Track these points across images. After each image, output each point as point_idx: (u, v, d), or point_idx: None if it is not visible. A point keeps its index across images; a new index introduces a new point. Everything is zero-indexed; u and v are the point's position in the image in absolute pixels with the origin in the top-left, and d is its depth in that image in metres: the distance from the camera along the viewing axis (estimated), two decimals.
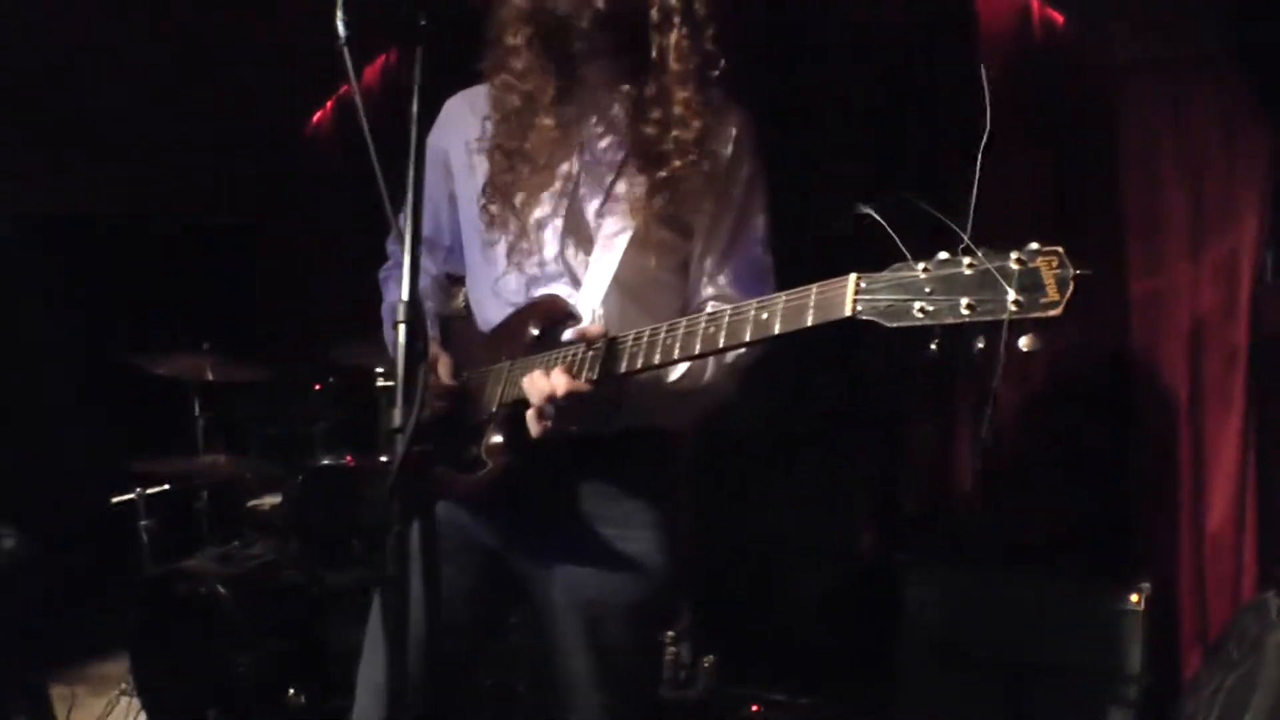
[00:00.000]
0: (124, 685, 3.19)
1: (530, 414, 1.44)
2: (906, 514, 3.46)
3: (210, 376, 3.52)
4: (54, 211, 3.44)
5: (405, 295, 1.15)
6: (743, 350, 1.48)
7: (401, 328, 1.14)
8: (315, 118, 4.73)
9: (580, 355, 1.43)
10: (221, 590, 2.93)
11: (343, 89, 4.66)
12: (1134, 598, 2.82)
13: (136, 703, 3.13)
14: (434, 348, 1.68)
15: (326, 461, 3.07)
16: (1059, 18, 3.34)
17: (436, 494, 1.68)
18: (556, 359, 1.46)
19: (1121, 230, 3.09)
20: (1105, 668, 2.83)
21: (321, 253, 4.46)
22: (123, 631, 3.15)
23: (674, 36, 1.52)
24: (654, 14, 1.52)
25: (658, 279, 1.63)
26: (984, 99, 1.25)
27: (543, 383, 1.41)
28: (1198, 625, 3.01)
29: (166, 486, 3.41)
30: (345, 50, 1.21)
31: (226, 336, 3.59)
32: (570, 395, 1.39)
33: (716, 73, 1.56)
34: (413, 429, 1.08)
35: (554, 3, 1.53)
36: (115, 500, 3.21)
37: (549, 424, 1.43)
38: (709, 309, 1.58)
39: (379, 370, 1.52)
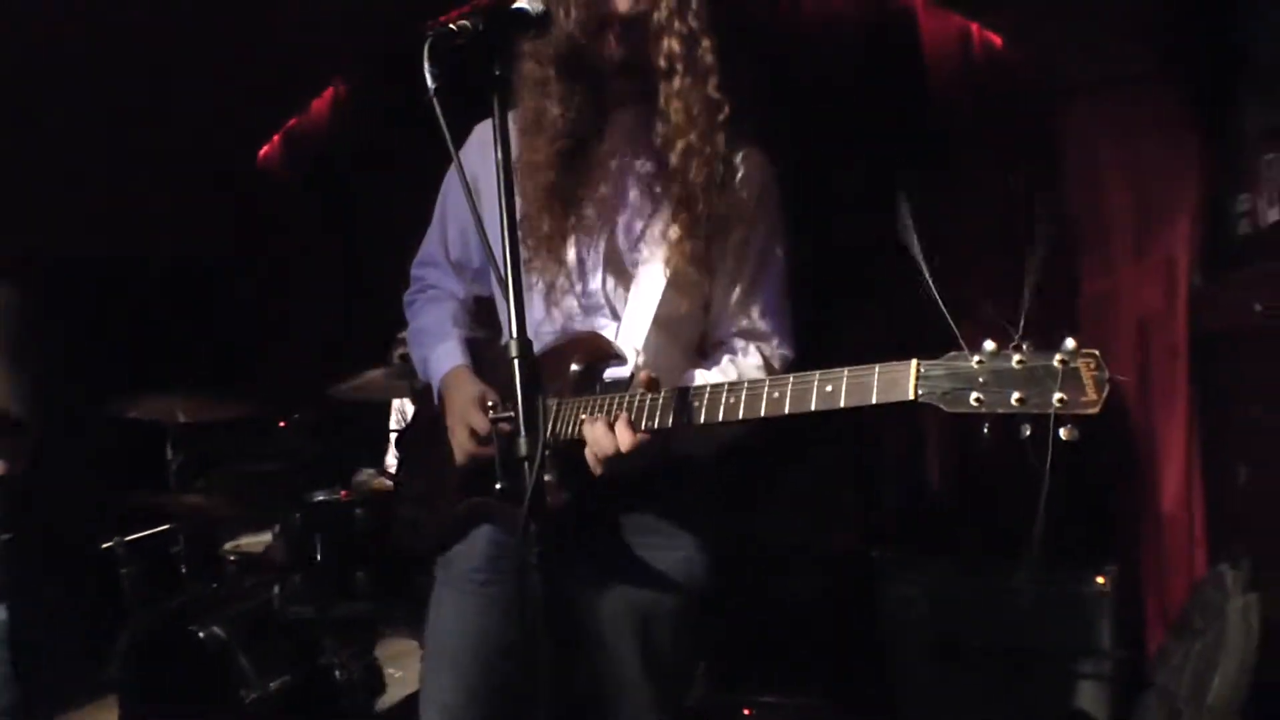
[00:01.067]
0: None
1: (593, 462, 1.50)
2: (882, 512, 3.60)
3: (182, 417, 3.48)
4: (17, 254, 3.35)
5: (514, 331, 1.21)
6: None
7: (515, 362, 1.20)
8: (262, 151, 4.69)
9: (641, 404, 1.48)
10: (220, 631, 2.90)
11: (291, 122, 4.65)
12: (1101, 580, 3.02)
13: None
14: (477, 383, 1.70)
15: (322, 496, 3.07)
16: (997, 40, 3.57)
17: (492, 520, 1.74)
18: (611, 405, 1.51)
19: (1071, 237, 3.30)
20: (1079, 648, 3.02)
21: (286, 288, 4.43)
22: (110, 678, 3.08)
23: (678, 83, 1.60)
24: (661, 62, 1.60)
25: (688, 315, 1.71)
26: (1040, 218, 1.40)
27: (607, 440, 1.46)
28: (1158, 601, 3.22)
29: (146, 532, 3.35)
30: (435, 100, 1.26)
31: (198, 376, 3.56)
32: (635, 449, 1.46)
33: (722, 118, 1.62)
34: (541, 457, 1.15)
35: (580, 49, 1.61)
36: (102, 546, 3.15)
37: (610, 471, 1.50)
38: (739, 356, 1.69)
39: (490, 403, 1.56)
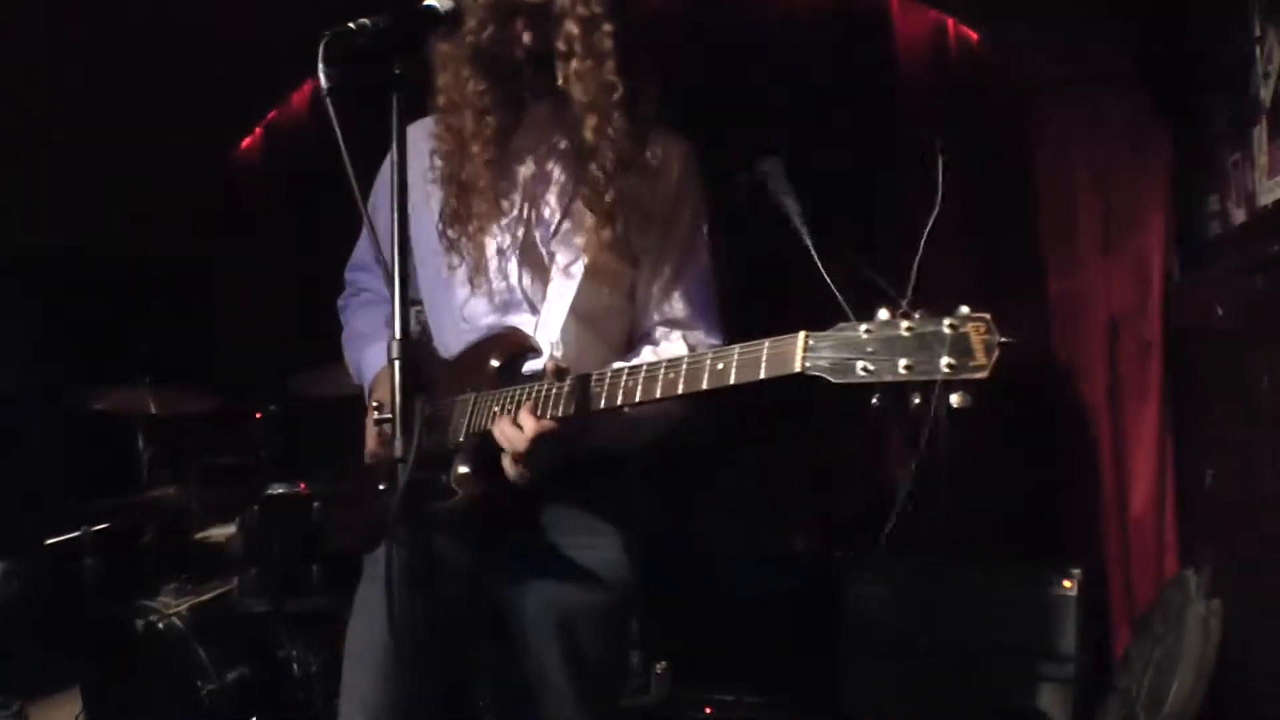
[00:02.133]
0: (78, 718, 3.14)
1: (506, 461, 1.50)
2: (843, 513, 3.59)
3: (153, 409, 3.49)
4: None
5: (398, 332, 1.21)
6: None
7: (397, 363, 1.19)
8: (244, 144, 4.69)
9: (545, 393, 1.49)
10: (179, 623, 2.91)
11: (270, 115, 4.64)
12: (1066, 583, 2.99)
13: None
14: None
15: (280, 490, 3.07)
16: (974, 35, 3.53)
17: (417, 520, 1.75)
18: (521, 396, 1.51)
19: (1037, 235, 3.27)
20: (1042, 650, 2.99)
21: (259, 281, 4.44)
22: (73, 669, 3.10)
23: (575, 65, 1.59)
24: (560, 45, 1.59)
25: (610, 306, 1.71)
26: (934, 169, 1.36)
27: (513, 431, 1.47)
28: (1125, 604, 3.19)
29: (108, 524, 3.36)
30: (328, 100, 1.25)
31: (168, 369, 3.56)
32: (538, 438, 1.46)
33: (617, 98, 1.60)
34: (413, 457, 1.14)
35: (490, 41, 1.60)
36: (56, 540, 3.16)
37: (523, 467, 1.50)
38: (662, 345, 1.69)
39: (375, 404, 1.56)
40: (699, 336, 1.72)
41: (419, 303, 1.91)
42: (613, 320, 1.73)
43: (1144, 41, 2.92)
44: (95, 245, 4.05)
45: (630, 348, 1.75)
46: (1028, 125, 3.29)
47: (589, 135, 1.59)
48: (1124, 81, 3.03)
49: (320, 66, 1.28)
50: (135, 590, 3.29)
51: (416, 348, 1.22)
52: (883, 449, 3.53)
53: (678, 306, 1.72)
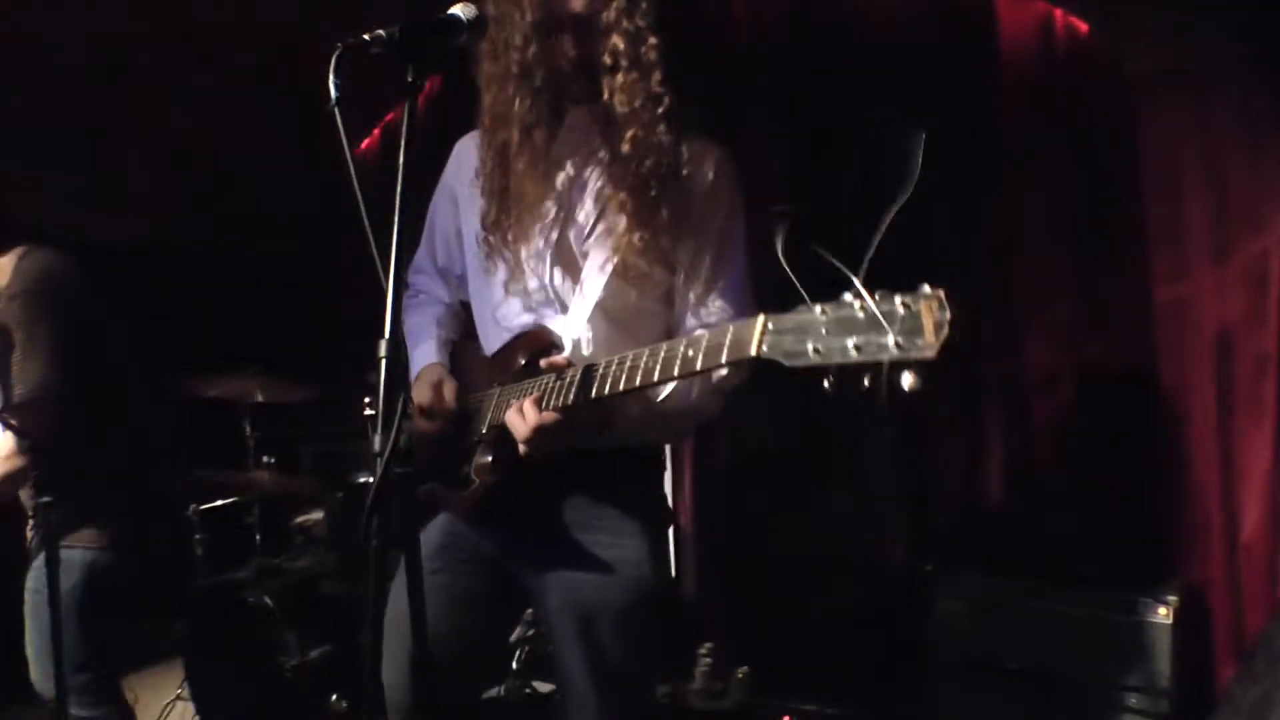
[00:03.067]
0: (180, 690, 3.35)
1: (521, 448, 1.57)
2: (937, 526, 3.47)
3: (260, 397, 3.69)
4: (111, 242, 3.64)
5: (387, 332, 1.25)
6: (725, 373, 1.57)
7: (382, 361, 1.23)
8: (363, 145, 4.89)
9: (550, 385, 1.54)
10: (268, 600, 3.07)
11: (388, 117, 4.83)
12: (1163, 610, 2.80)
13: (192, 707, 3.29)
14: (441, 371, 1.82)
15: (365, 478, 3.20)
16: (1083, 26, 3.34)
17: (430, 510, 1.81)
18: (532, 389, 1.58)
19: (1143, 238, 3.08)
20: (1134, 680, 2.82)
21: (367, 277, 4.61)
22: (177, 639, 3.31)
23: (621, 78, 1.64)
24: (606, 59, 1.64)
25: (641, 308, 1.73)
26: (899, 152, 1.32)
27: (516, 419, 1.54)
28: (1231, 637, 2.97)
29: (219, 502, 3.57)
30: (336, 111, 1.31)
31: (274, 359, 3.75)
32: (539, 427, 1.52)
33: (663, 110, 1.65)
34: (390, 453, 1.18)
35: (537, 55, 1.66)
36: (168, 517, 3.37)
37: (532, 451, 1.56)
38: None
39: (366, 399, 1.65)
40: None
41: (467, 303, 1.98)
42: (646, 322, 1.75)
43: (1260, 32, 2.71)
44: (214, 242, 4.30)
45: None
46: (1134, 121, 3.10)
47: (627, 146, 1.63)
48: (1239, 74, 2.81)
49: (330, 79, 1.33)
50: (235, 568, 3.50)
51: (401, 345, 1.25)
52: (980, 461, 3.39)
53: (714, 311, 1.73)
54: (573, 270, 1.72)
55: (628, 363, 1.42)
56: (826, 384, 1.14)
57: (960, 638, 3.07)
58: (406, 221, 1.34)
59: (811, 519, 3.51)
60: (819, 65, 3.64)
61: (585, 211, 1.72)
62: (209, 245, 4.31)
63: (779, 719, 3.30)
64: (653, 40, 1.64)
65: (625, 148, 1.64)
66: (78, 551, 2.31)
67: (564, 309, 1.72)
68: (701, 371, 1.32)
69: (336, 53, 1.34)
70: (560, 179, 1.73)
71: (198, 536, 3.51)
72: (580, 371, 1.50)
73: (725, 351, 1.25)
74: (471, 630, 1.77)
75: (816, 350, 1.13)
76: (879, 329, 1.09)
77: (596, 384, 1.47)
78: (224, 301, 4.17)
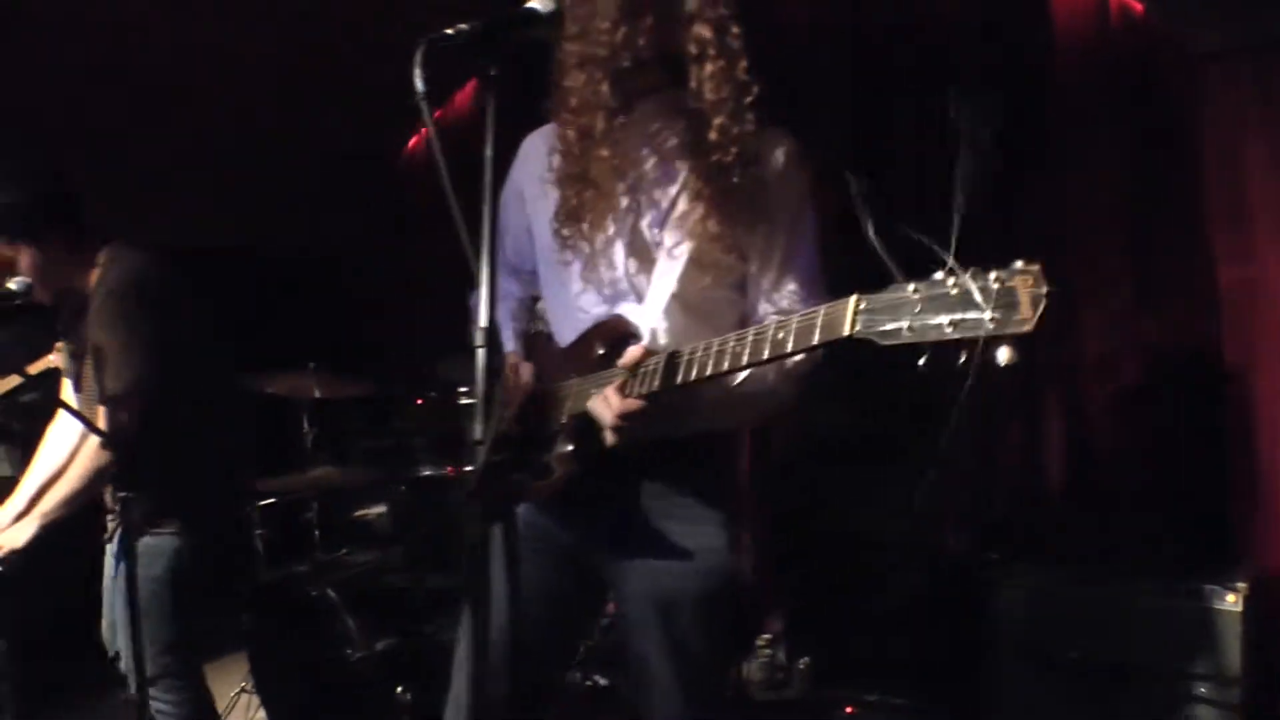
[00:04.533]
0: (245, 684, 3.41)
1: (605, 432, 1.57)
2: (996, 515, 3.44)
3: (317, 393, 3.74)
4: (171, 243, 3.71)
5: (483, 321, 1.26)
6: (800, 358, 1.57)
7: (480, 351, 1.24)
8: (411, 143, 4.94)
9: (637, 372, 1.55)
10: (332, 594, 3.11)
11: (437, 114, 4.86)
12: (1230, 598, 2.76)
13: (256, 699, 3.34)
14: (516, 358, 1.83)
15: (428, 472, 3.24)
16: (1138, 6, 3.30)
17: (514, 499, 1.82)
18: (615, 376, 1.58)
19: (1205, 220, 3.03)
20: (1203, 669, 2.77)
21: (420, 274, 4.66)
22: (241, 633, 3.36)
23: (709, 68, 1.64)
24: (692, 48, 1.64)
25: (716, 296, 1.73)
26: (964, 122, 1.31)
27: (602, 406, 1.55)
28: None
29: (278, 498, 3.62)
30: (423, 103, 1.32)
31: (331, 356, 3.80)
32: (624, 414, 1.52)
33: (750, 99, 1.65)
34: (491, 440, 1.19)
35: (606, 46, 1.65)
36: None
37: (618, 438, 1.56)
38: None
39: (462, 389, 1.66)
40: None
41: (539, 299, 1.99)
42: (721, 311, 1.75)
43: None
44: (269, 241, 4.36)
45: None
46: (1196, 99, 3.05)
47: (715, 134, 1.63)
48: None
49: (416, 73, 1.34)
50: (296, 562, 3.55)
51: (497, 335, 1.27)
52: (1039, 448, 3.36)
53: (787, 296, 1.73)
54: (648, 259, 1.73)
55: (714, 348, 1.42)
56: (921, 363, 1.13)
57: (1023, 627, 3.03)
58: (497, 215, 1.33)
59: (871, 508, 3.50)
60: (872, 49, 3.63)
61: (661, 200, 1.72)
62: (263, 244, 4.36)
63: (841, 710, 3.30)
64: (736, 29, 1.64)
65: (712, 135, 1.64)
66: (166, 538, 2.37)
67: (640, 298, 1.73)
68: (793, 354, 1.32)
69: (421, 46, 1.34)
70: (635, 168, 1.73)
71: (258, 532, 3.57)
72: (665, 358, 1.50)
73: (818, 333, 1.26)
74: (551, 621, 1.78)
75: (910, 329, 1.14)
76: (974, 305, 1.09)
77: (682, 370, 1.47)
78: (278, 299, 4.23)
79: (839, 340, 1.23)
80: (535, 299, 2.01)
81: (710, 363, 1.43)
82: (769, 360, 1.35)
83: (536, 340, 1.94)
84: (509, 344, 1.90)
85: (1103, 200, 3.17)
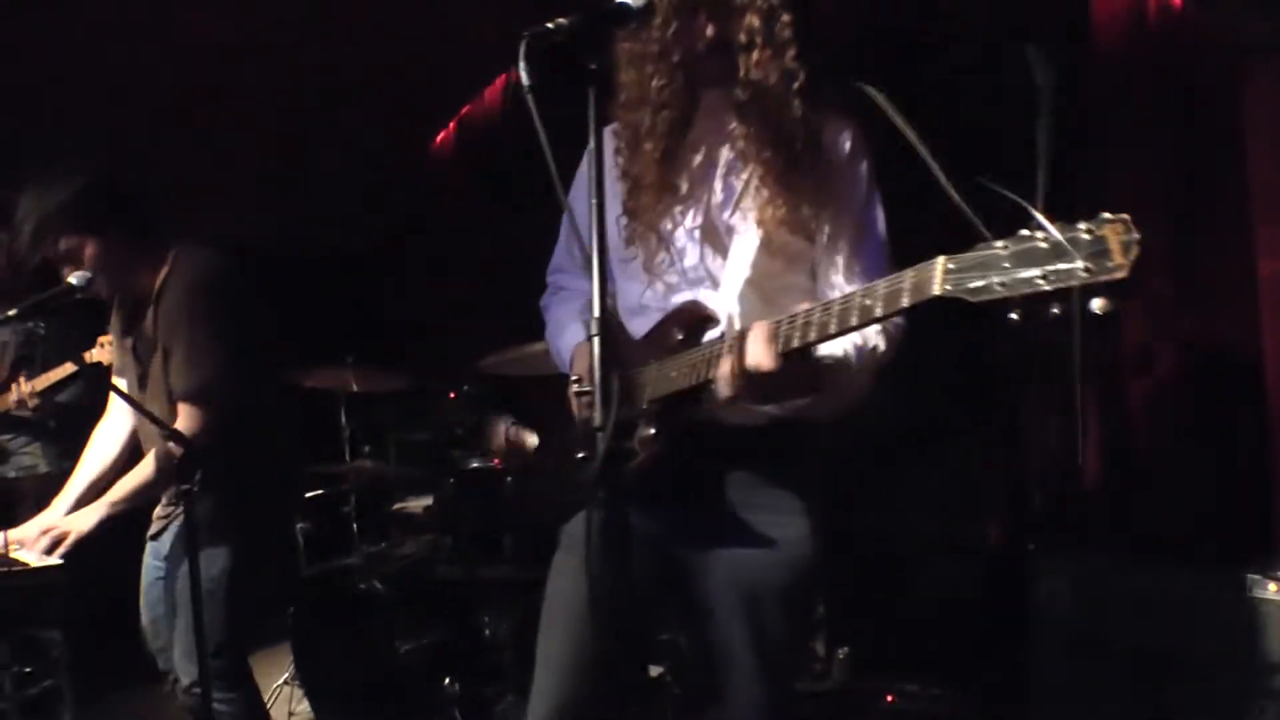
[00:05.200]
0: (288, 674, 3.43)
1: (736, 380, 1.51)
2: (1035, 505, 3.46)
3: (354, 387, 3.77)
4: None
5: (595, 310, 1.28)
6: (881, 349, 1.63)
7: (595, 339, 1.27)
8: (438, 139, 4.95)
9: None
10: (380, 586, 3.14)
11: (464, 110, 4.88)
12: (1273, 586, 2.78)
13: (300, 691, 3.37)
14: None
15: (476, 464, 3.26)
16: (1177, 1, 3.32)
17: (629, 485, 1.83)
18: (699, 358, 1.58)
19: (1246, 213, 3.05)
20: (1245, 658, 2.80)
21: (453, 268, 4.68)
22: (284, 624, 3.38)
23: (757, 55, 1.67)
24: (741, 37, 1.67)
25: (786, 282, 1.76)
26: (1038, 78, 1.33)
27: (760, 348, 1.48)
28: None
29: (320, 491, 3.64)
30: (530, 97, 1.34)
31: (369, 350, 3.82)
32: (773, 370, 1.47)
33: (797, 86, 1.67)
34: (611, 427, 1.21)
35: (675, 36, 1.69)
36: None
37: (749, 394, 1.52)
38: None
39: (574, 377, 1.67)
40: None
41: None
42: (792, 296, 1.76)
43: None
44: (303, 235, 4.38)
45: None
46: (1236, 93, 3.07)
47: (767, 121, 1.66)
48: None
49: (521, 65, 1.36)
50: (338, 554, 3.57)
51: (614, 325, 1.28)
52: (1078, 439, 3.38)
53: (857, 276, 1.74)
54: (720, 247, 1.75)
55: (799, 320, 1.44)
56: (1013, 316, 1.16)
57: (1063, 617, 3.05)
58: (603, 205, 1.35)
59: (910, 497, 3.52)
60: (904, 42, 3.64)
61: (727, 189, 1.75)
62: (298, 238, 4.38)
63: (882, 699, 3.32)
64: (786, 17, 1.67)
65: (766, 123, 1.67)
66: (223, 539, 2.37)
67: (714, 284, 1.75)
68: (883, 318, 1.34)
69: (524, 39, 1.36)
70: (699, 159, 1.77)
71: (300, 525, 3.60)
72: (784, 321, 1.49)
73: (906, 295, 1.28)
74: (637, 611, 1.79)
75: (1002, 284, 1.16)
76: (1065, 256, 1.11)
77: (783, 339, 1.46)
78: (315, 293, 4.25)
79: (927, 300, 1.25)
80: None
81: (796, 334, 1.44)
82: (858, 326, 1.36)
83: (614, 333, 1.94)
84: (581, 334, 1.85)
85: (1142, 194, 3.19)
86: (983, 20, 3.52)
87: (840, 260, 1.75)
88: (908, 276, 1.29)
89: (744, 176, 1.73)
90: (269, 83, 4.00)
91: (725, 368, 1.51)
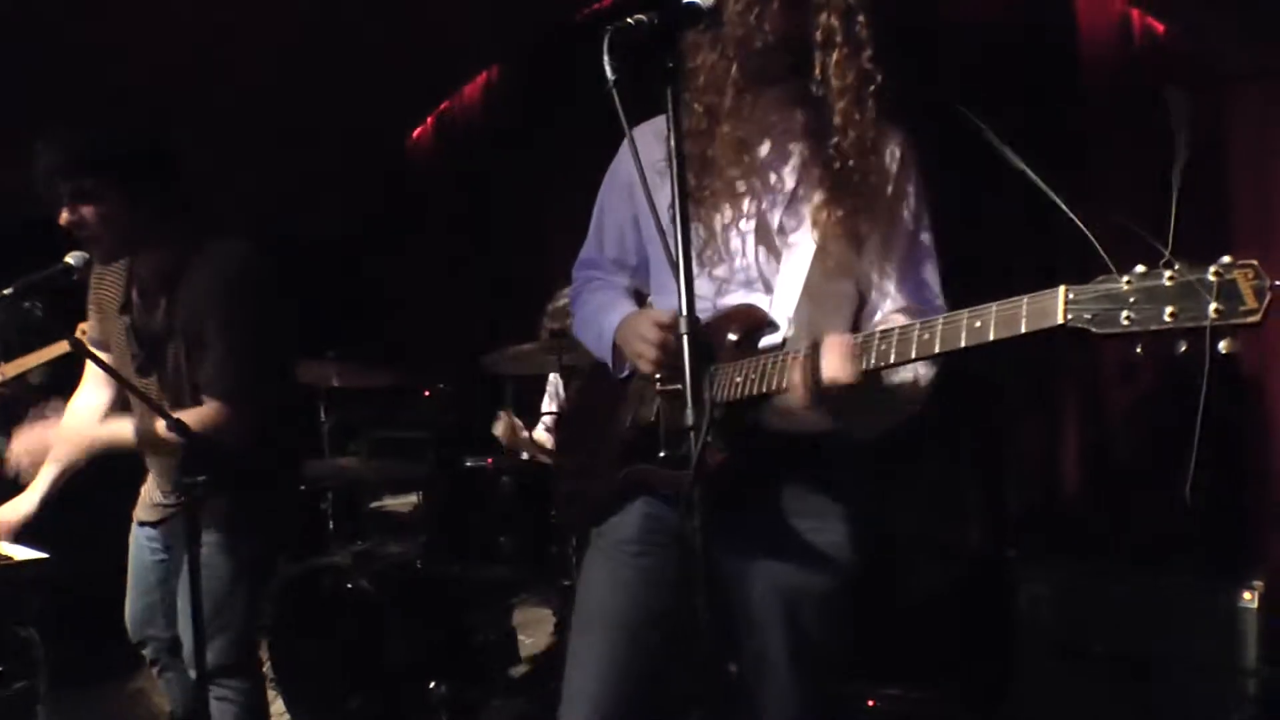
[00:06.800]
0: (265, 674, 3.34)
1: (800, 395, 1.49)
2: (1014, 510, 3.54)
3: (335, 382, 3.68)
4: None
5: (683, 308, 1.27)
6: (936, 370, 1.62)
7: (684, 338, 1.26)
8: (415, 133, 4.89)
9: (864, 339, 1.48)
10: (366, 585, 3.07)
11: (443, 105, 4.83)
12: (1247, 595, 2.88)
13: (274, 691, 3.28)
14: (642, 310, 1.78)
15: (470, 463, 3.21)
16: (1160, 27, 3.43)
17: (630, 490, 1.81)
18: (767, 366, 1.55)
19: (1229, 240, 3.16)
20: (1221, 663, 2.89)
21: (430, 264, 4.63)
22: (261, 623, 3.29)
23: (835, 55, 1.66)
24: (818, 35, 1.66)
25: (837, 289, 1.75)
26: (1175, 120, 1.36)
27: (838, 361, 1.46)
28: None
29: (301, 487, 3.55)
30: (614, 90, 1.32)
31: (350, 344, 3.74)
32: (850, 383, 1.44)
33: (874, 88, 1.67)
34: (706, 428, 1.20)
35: (742, 26, 1.66)
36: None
37: (822, 404, 1.49)
38: (902, 320, 1.67)
39: (657, 376, 1.63)
40: None
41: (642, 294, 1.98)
42: (840, 304, 1.77)
43: None
44: (282, 227, 4.27)
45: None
46: (1220, 121, 3.18)
47: (838, 119, 1.65)
48: None
49: (605, 59, 1.34)
50: (315, 553, 3.49)
51: (698, 322, 1.27)
52: (1058, 444, 3.47)
53: (904, 293, 1.74)
54: (772, 248, 1.73)
55: (894, 336, 1.42)
56: (1138, 350, 1.19)
57: (1045, 622, 3.12)
58: (685, 204, 1.34)
59: (892, 503, 3.56)
60: (893, 67, 3.69)
61: (781, 187, 1.74)
62: (281, 229, 4.28)
63: (863, 703, 3.34)
64: (862, 17, 1.67)
65: (836, 121, 1.65)
66: (243, 533, 2.32)
67: (767, 287, 1.73)
68: (994, 342, 1.33)
69: (607, 36, 1.35)
70: (758, 156, 1.74)
71: None
72: (872, 336, 1.46)
73: (1024, 321, 1.28)
74: (678, 613, 1.74)
75: (1130, 318, 1.18)
76: (1194, 296, 1.14)
77: (876, 355, 1.43)
78: (300, 287, 4.15)
79: (1048, 330, 1.26)
80: (638, 294, 1.98)
81: (892, 351, 1.41)
82: (965, 348, 1.35)
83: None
84: (626, 309, 1.83)
85: (1124, 213, 3.28)
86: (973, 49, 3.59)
87: (894, 271, 1.74)
88: (1024, 302, 1.29)
89: (798, 176, 1.72)
90: (257, 69, 3.91)
91: (797, 377, 1.49)
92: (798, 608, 1.72)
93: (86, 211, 2.15)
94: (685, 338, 1.26)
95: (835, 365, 1.45)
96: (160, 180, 2.24)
